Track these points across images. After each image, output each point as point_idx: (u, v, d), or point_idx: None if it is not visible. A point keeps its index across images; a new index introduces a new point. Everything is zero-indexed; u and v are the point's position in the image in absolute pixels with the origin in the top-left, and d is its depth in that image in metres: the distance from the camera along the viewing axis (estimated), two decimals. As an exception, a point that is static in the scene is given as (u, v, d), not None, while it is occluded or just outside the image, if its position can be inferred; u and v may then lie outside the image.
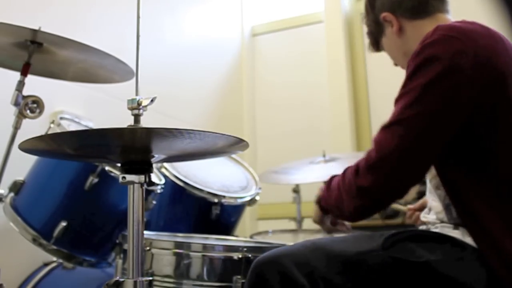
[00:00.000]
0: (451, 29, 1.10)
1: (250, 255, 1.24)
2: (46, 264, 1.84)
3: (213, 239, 1.63)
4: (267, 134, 3.49)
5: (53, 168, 1.58)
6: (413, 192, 2.03)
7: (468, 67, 1.05)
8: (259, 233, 2.02)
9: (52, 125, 1.59)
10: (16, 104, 1.40)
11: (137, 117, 0.94)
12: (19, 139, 1.02)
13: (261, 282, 1.01)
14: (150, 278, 0.98)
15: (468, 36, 1.08)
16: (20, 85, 1.41)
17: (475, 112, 1.07)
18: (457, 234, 1.11)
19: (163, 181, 1.64)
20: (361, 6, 1.48)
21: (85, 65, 1.52)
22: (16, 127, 1.42)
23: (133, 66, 1.12)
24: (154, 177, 0.97)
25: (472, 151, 1.09)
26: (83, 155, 1.12)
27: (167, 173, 1.77)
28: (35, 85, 1.46)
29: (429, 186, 1.23)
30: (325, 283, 0.99)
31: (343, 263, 1.02)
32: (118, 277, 0.94)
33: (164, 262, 1.28)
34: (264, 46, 3.68)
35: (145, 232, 1.18)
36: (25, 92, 1.41)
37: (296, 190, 2.40)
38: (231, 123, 3.45)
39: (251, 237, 2.00)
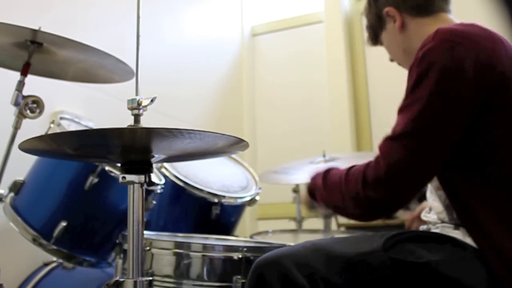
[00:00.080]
0: (451, 33, 1.09)
1: (250, 255, 1.24)
2: (46, 264, 1.84)
3: (213, 239, 1.63)
4: (267, 134, 3.49)
5: (53, 168, 1.58)
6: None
7: (471, 70, 1.05)
8: (259, 233, 2.01)
9: (52, 125, 1.59)
10: (16, 104, 1.40)
11: (137, 117, 0.94)
12: (19, 139, 1.02)
13: (262, 283, 1.00)
14: (150, 278, 0.98)
15: (469, 39, 1.08)
16: (20, 85, 1.41)
17: (477, 114, 1.07)
18: (458, 234, 1.11)
19: (163, 181, 1.64)
20: (361, 6, 1.48)
21: (85, 65, 1.52)
22: (16, 127, 1.42)
23: (133, 66, 1.13)
24: (154, 177, 0.97)
25: (471, 153, 1.09)
26: (83, 155, 1.12)
27: (167, 173, 1.77)
28: (35, 85, 1.46)
29: (429, 186, 1.23)
30: (326, 284, 0.99)
31: (343, 264, 1.02)
32: (118, 277, 0.94)
33: (164, 262, 1.28)
34: (264, 46, 3.68)
35: (145, 232, 1.17)
36: (25, 92, 1.41)
37: (296, 190, 2.39)
38: (231, 123, 3.45)
39: (251, 237, 1.99)
